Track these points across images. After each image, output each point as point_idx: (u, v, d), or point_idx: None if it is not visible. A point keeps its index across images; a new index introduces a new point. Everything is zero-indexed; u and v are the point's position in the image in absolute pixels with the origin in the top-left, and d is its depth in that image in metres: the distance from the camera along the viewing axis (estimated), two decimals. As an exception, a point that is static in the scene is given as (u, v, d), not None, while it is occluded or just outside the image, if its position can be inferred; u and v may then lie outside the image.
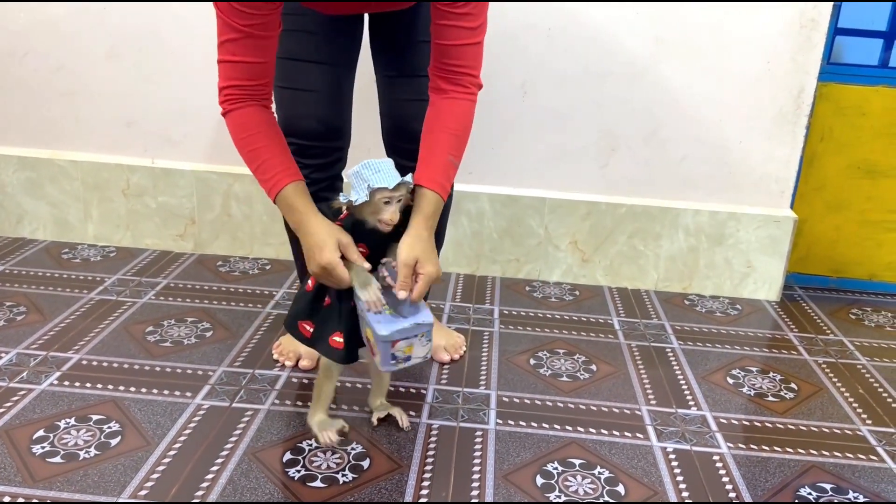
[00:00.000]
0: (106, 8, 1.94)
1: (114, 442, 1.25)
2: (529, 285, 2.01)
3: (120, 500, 1.11)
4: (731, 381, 1.57)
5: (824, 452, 1.34)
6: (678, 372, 1.59)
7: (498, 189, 2.00)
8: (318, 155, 1.41)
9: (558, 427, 1.37)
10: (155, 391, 1.42)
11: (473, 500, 1.16)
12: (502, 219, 2.01)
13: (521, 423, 1.37)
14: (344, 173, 1.48)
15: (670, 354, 1.67)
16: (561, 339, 1.72)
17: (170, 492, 1.13)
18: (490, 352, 1.64)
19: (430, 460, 1.25)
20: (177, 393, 1.42)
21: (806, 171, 1.99)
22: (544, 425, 1.37)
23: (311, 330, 1.23)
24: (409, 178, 1.17)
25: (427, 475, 1.21)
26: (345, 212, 1.19)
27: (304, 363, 1.52)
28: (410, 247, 1.17)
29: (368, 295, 1.14)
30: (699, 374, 1.59)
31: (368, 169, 1.13)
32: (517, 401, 1.45)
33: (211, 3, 1.13)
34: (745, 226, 1.95)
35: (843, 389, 1.57)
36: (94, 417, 1.32)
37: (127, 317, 1.70)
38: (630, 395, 1.49)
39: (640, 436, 1.35)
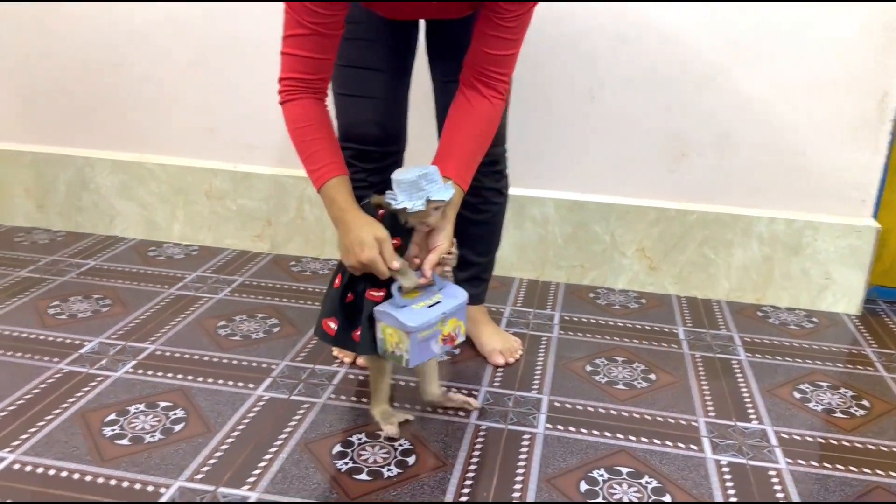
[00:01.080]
0: (189, 21, 2.05)
1: (177, 428, 1.32)
2: (594, 292, 1.99)
3: (178, 483, 1.18)
4: (798, 395, 1.51)
5: (892, 473, 1.27)
6: (742, 384, 1.54)
7: (564, 194, 1.99)
8: (375, 160, 1.46)
9: (609, 434, 1.35)
10: (220, 382, 1.49)
11: (514, 502, 1.16)
12: (568, 224, 2.00)
13: (571, 428, 1.37)
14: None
15: (736, 366, 1.62)
16: (621, 347, 1.69)
17: (224, 476, 1.19)
18: (546, 357, 1.64)
19: (475, 460, 1.26)
20: (240, 384, 1.48)
21: (891, 179, 1.89)
22: (594, 432, 1.36)
23: (335, 328, 1.27)
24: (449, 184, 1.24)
25: (470, 474, 1.22)
26: (381, 211, 1.23)
27: (361, 360, 1.56)
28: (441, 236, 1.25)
29: (409, 281, 1.21)
30: (765, 387, 1.54)
31: (425, 179, 1.18)
32: (569, 406, 1.44)
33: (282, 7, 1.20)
34: (823, 235, 1.87)
35: (921, 409, 1.48)
36: (162, 404, 1.40)
37: (202, 311, 1.79)
38: (688, 405, 1.46)
39: (695, 447, 1.32)
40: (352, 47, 1.40)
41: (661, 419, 1.41)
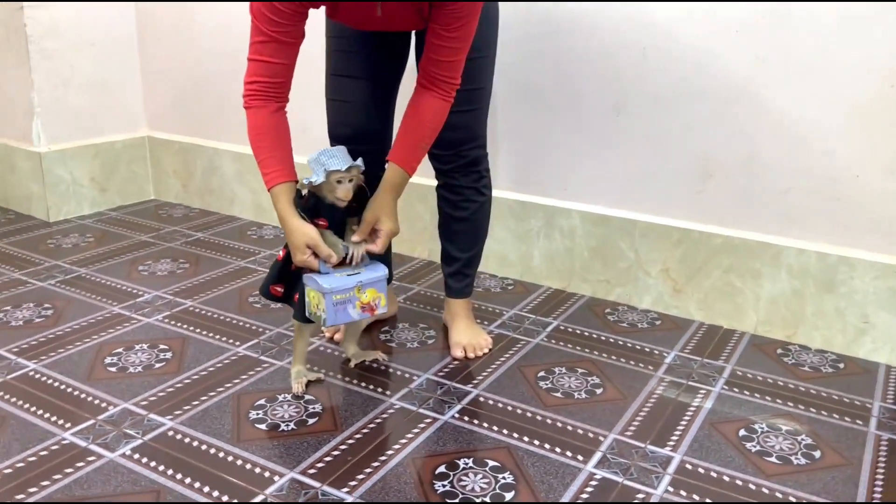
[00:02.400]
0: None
1: (508, 496, 1.24)
2: (612, 307, 1.96)
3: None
4: (742, 434, 1.41)
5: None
6: (689, 413, 1.47)
7: (589, 207, 1.99)
8: (360, 155, 1.62)
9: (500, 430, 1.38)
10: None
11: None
12: (593, 238, 1.99)
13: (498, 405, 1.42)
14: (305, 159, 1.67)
15: (701, 394, 1.54)
16: (589, 360, 1.68)
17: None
18: (509, 360, 1.69)
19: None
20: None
21: (954, 217, 1.64)
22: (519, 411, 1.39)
23: (282, 291, 1.49)
24: (359, 161, 1.39)
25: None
26: (305, 193, 1.40)
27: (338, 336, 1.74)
28: (373, 209, 1.43)
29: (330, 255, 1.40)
30: (711, 420, 1.45)
31: (325, 155, 1.36)
32: (501, 405, 1.49)
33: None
34: (860, 273, 1.68)
35: None
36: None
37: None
38: (611, 422, 1.44)
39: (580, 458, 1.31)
40: (337, 58, 1.59)
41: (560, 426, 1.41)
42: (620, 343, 1.77)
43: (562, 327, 1.85)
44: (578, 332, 1.83)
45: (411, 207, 2.24)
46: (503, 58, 1.82)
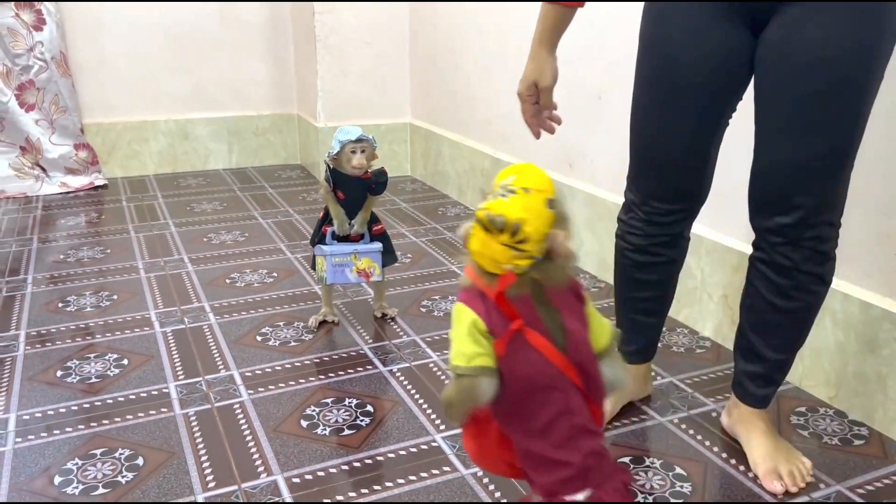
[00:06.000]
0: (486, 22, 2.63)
1: None
2: (674, 328, 1.82)
3: None
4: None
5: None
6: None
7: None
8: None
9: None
10: None
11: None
12: (668, 251, 1.86)
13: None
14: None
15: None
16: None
17: None
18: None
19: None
20: None
21: None
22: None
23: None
24: (370, 136, 1.68)
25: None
26: (325, 166, 1.73)
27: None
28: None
29: (340, 230, 1.73)
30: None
31: (341, 132, 1.69)
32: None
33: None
34: (905, 335, 1.32)
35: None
36: None
37: None
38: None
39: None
40: None
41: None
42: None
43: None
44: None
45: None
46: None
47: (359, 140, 1.66)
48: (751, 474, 1.29)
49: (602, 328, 0.91)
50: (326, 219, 1.76)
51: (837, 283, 1.46)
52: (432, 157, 3.19)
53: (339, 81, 3.22)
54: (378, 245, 1.73)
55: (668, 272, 1.39)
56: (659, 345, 1.69)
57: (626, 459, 1.33)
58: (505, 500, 1.21)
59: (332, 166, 1.71)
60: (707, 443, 1.38)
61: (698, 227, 1.78)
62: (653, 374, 1.59)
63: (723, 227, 1.74)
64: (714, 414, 1.46)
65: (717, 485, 1.27)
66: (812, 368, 1.52)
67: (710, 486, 1.27)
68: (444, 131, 3.09)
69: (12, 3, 2.90)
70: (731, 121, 1.25)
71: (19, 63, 2.97)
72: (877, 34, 1.05)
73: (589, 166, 2.17)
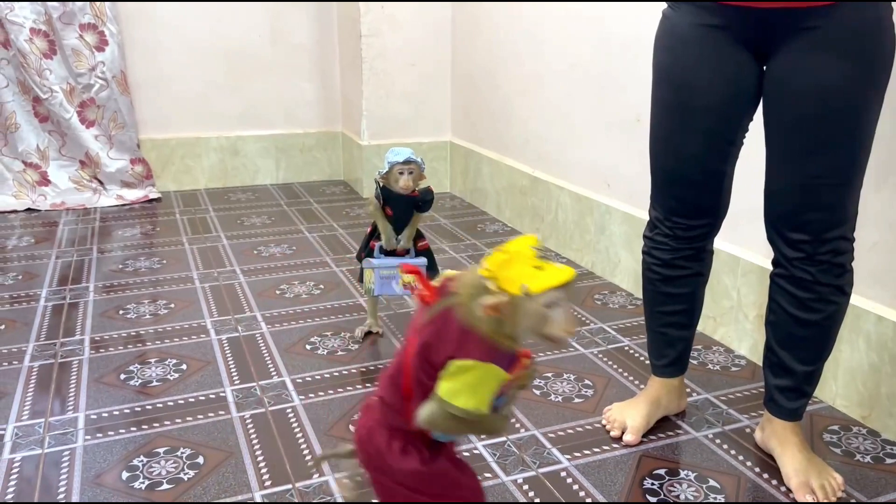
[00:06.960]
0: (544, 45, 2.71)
1: None
2: (710, 347, 1.86)
3: None
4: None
5: None
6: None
7: (705, 239, 1.91)
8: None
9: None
10: None
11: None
12: (704, 271, 1.91)
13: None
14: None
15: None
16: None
17: None
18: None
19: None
20: None
21: None
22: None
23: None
24: (419, 159, 1.77)
25: None
26: (375, 184, 1.83)
27: (627, 437, 1.47)
28: None
29: (388, 245, 1.82)
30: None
31: (391, 153, 1.77)
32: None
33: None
34: (937, 357, 1.36)
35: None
36: None
37: None
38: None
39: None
40: None
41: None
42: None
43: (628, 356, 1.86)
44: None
45: (716, 278, 1.90)
46: None
47: (406, 162, 1.75)
48: (783, 488, 1.33)
49: None
50: (374, 234, 1.85)
51: (871, 306, 1.50)
52: (471, 175, 3.27)
53: (382, 101, 3.33)
54: (423, 260, 1.81)
55: (695, 285, 1.47)
56: (695, 362, 1.75)
57: (662, 471, 1.38)
58: (538, 499, 1.28)
59: (382, 184, 1.79)
60: (741, 457, 1.42)
61: (735, 249, 1.83)
62: (688, 390, 1.64)
63: (759, 248, 1.78)
64: (748, 430, 1.51)
65: (750, 497, 1.31)
66: (845, 389, 1.56)
67: (743, 498, 1.31)
68: (484, 150, 3.17)
69: (76, 25, 3.07)
70: (744, 141, 1.34)
71: (81, 81, 3.13)
72: (868, 64, 1.14)
73: (627, 186, 2.23)
